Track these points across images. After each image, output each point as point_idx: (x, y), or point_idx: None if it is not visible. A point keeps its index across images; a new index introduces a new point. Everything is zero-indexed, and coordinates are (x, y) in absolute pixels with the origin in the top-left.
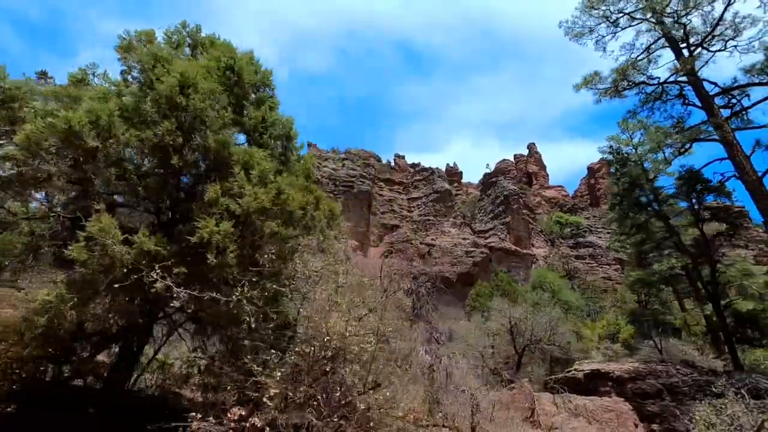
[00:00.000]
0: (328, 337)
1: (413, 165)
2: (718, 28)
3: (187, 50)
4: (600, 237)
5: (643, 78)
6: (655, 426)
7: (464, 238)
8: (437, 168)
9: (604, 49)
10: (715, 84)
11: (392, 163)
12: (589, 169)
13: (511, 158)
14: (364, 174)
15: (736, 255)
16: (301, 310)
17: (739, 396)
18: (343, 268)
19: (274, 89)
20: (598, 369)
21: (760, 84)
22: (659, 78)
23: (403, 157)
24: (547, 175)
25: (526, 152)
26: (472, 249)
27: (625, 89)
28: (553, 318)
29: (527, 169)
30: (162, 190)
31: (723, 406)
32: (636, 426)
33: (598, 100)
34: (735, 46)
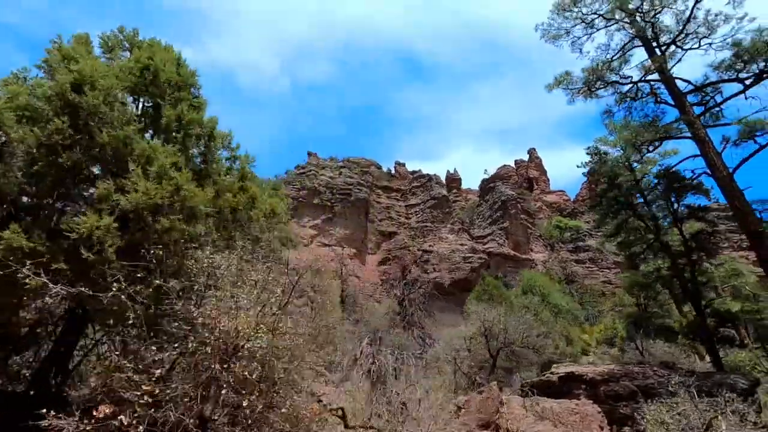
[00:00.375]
0: (221, 335)
1: (413, 172)
2: (691, 26)
3: (126, 53)
4: (600, 241)
5: (615, 77)
6: (626, 428)
7: (462, 244)
8: (434, 174)
9: (581, 51)
10: (689, 82)
11: (393, 171)
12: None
13: (512, 164)
14: (362, 182)
15: (728, 256)
16: (192, 307)
17: (690, 395)
18: (262, 267)
19: (199, 89)
20: (572, 371)
21: (729, 80)
22: (632, 77)
23: (404, 165)
24: (548, 179)
25: (526, 158)
26: (469, 255)
27: (598, 89)
28: (528, 321)
29: (528, 175)
30: (53, 189)
31: (675, 405)
32: (602, 428)
33: (572, 100)
34: (710, 44)
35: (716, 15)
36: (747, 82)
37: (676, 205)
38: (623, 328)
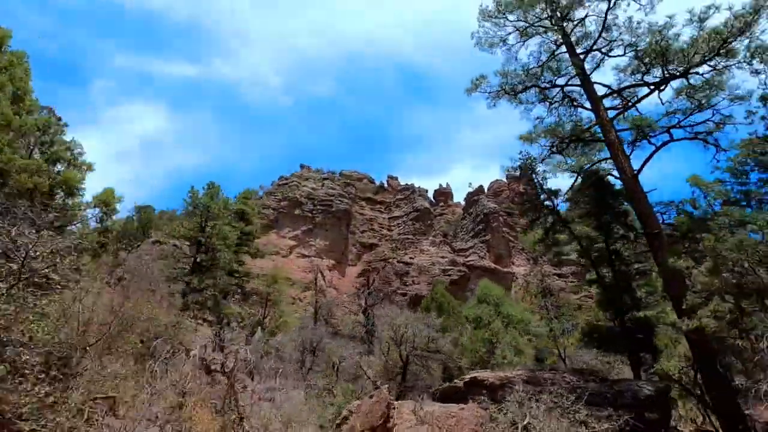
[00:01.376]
0: None
1: (405, 186)
2: (614, 32)
3: None
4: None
5: (537, 82)
6: None
7: (442, 257)
8: (418, 187)
9: (516, 58)
10: (608, 86)
11: (385, 184)
12: None
13: (505, 178)
14: (344, 193)
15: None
16: None
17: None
18: None
19: None
20: (476, 377)
21: (638, 84)
22: (553, 80)
23: (396, 178)
24: None
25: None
26: (449, 267)
27: (518, 93)
28: (436, 326)
29: (519, 189)
30: None
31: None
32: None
33: (492, 105)
34: (636, 49)
35: (638, 22)
36: (652, 86)
37: (596, 209)
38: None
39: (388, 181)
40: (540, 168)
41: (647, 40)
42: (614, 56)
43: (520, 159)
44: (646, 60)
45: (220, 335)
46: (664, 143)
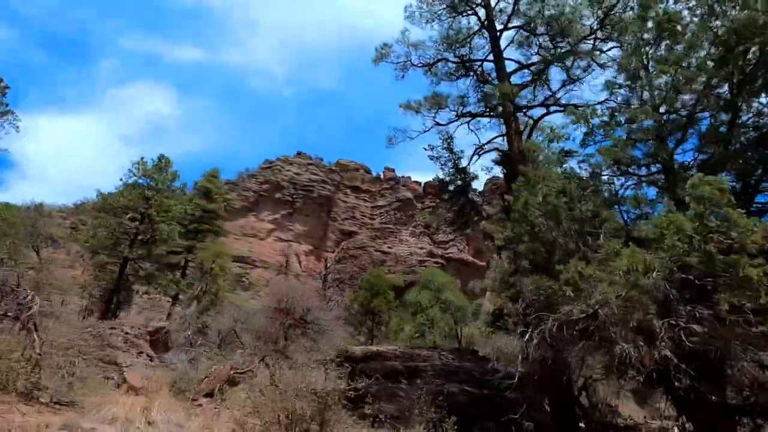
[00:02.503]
0: None
1: (392, 176)
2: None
3: None
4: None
5: (448, 55)
6: (367, 407)
7: (421, 248)
8: (402, 176)
9: (447, 35)
10: (518, 62)
11: (381, 176)
12: None
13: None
14: (327, 180)
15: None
16: None
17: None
18: None
19: None
20: (345, 350)
21: (551, 61)
22: (468, 55)
23: (393, 170)
24: None
25: None
26: (426, 258)
27: (431, 65)
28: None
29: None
30: None
31: None
32: None
33: (401, 76)
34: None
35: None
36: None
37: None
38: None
39: (384, 173)
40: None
41: (548, 13)
42: (527, 32)
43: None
44: (545, 34)
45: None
46: (541, 116)
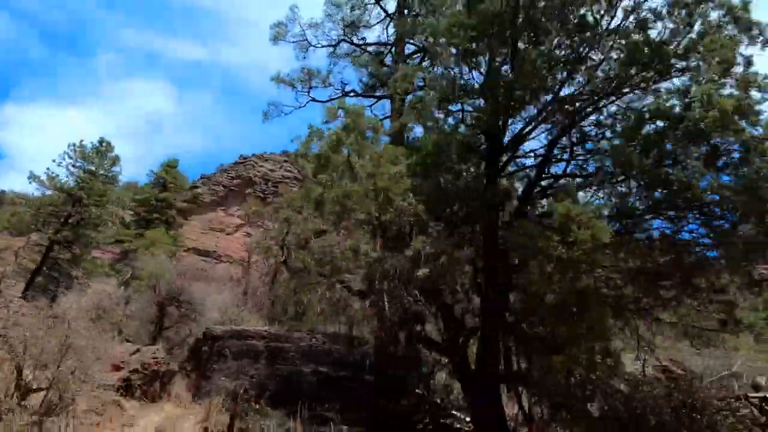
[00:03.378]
0: None
1: None
2: None
3: None
4: None
5: (351, 37)
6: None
7: None
8: None
9: (369, 21)
10: (416, 45)
11: None
12: None
13: None
14: (300, 177)
15: None
16: None
17: None
18: None
19: None
20: (209, 328)
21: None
22: (366, 39)
23: None
24: None
25: None
26: None
27: (335, 46)
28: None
29: None
30: None
31: None
32: None
33: (302, 57)
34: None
35: None
36: None
37: None
38: None
39: None
40: None
41: None
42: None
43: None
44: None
45: None
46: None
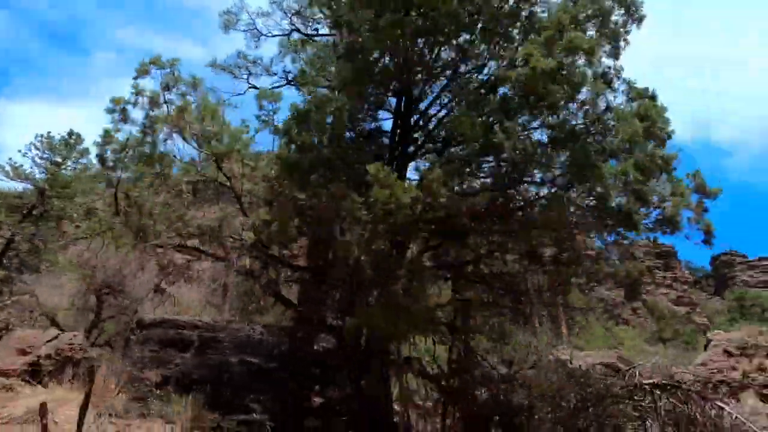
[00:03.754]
0: None
1: None
2: None
3: None
4: None
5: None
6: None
7: None
8: None
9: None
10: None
11: None
12: None
13: None
14: None
15: None
16: None
17: None
18: None
19: None
20: (140, 317)
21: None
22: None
23: None
24: None
25: None
26: None
27: (287, 36)
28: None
29: None
30: None
31: None
32: None
33: (254, 46)
34: None
35: None
36: None
37: None
38: None
39: None
40: None
41: None
42: None
43: None
44: None
45: None
46: None
